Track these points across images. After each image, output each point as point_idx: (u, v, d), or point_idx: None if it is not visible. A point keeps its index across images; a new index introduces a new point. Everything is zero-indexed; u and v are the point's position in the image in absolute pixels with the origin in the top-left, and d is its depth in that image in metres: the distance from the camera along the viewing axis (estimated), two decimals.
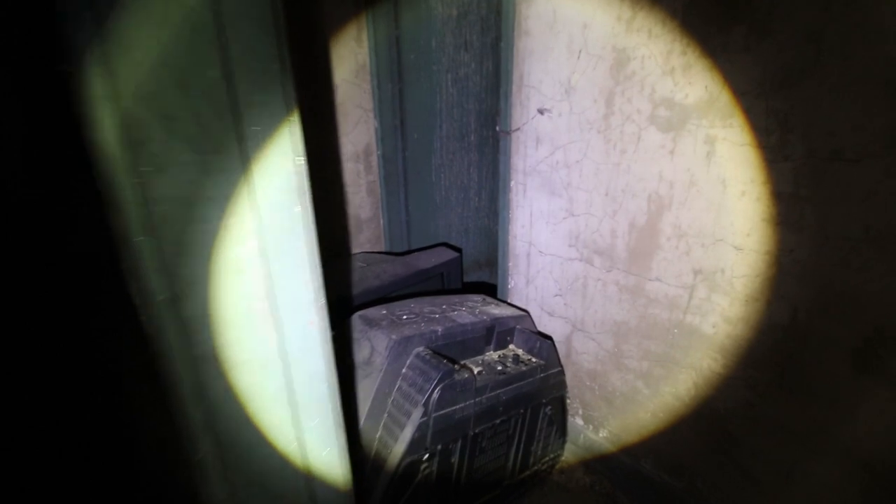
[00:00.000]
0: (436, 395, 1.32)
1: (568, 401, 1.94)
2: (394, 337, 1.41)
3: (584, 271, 1.75)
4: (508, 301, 2.11)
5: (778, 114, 1.15)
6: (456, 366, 1.42)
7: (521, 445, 1.69)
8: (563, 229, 1.78)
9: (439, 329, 1.51)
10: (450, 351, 1.55)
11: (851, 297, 1.10)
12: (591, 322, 1.78)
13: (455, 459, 1.44)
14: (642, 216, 1.50)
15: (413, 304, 1.72)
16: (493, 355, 1.68)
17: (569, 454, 2.00)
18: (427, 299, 1.81)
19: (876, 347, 1.08)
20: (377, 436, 1.36)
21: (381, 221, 2.80)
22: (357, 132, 2.54)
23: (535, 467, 1.81)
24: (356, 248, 2.72)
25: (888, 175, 1.00)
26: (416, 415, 1.30)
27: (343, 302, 1.85)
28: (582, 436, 1.96)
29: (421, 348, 1.45)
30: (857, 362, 1.12)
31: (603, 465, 1.90)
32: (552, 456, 1.88)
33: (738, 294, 1.31)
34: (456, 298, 1.86)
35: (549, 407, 1.74)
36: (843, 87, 1.03)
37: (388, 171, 2.69)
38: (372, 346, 1.44)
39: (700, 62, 1.26)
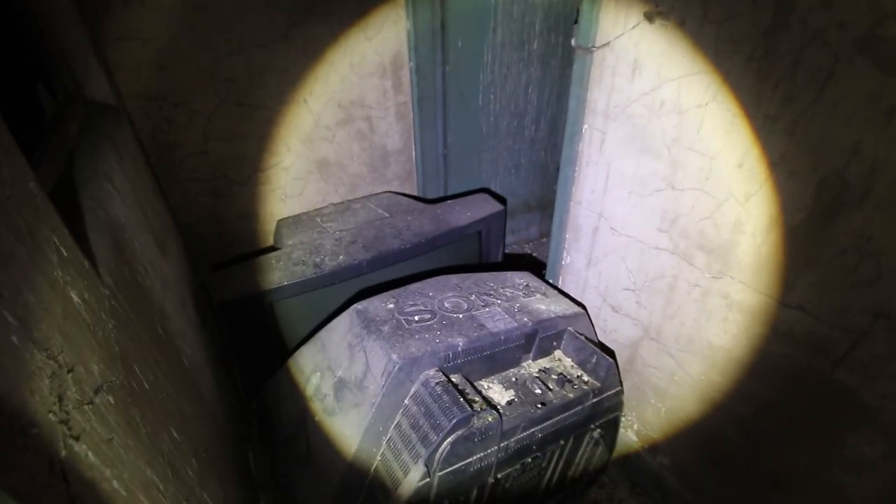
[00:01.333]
0: (444, 449, 0.95)
1: (624, 418, 1.55)
2: (395, 358, 1.02)
3: (676, 269, 1.23)
4: (559, 286, 1.64)
5: None
6: (476, 404, 1.03)
7: (556, 474, 1.35)
8: (654, 205, 1.23)
9: (460, 343, 1.10)
10: (473, 369, 1.15)
11: None
12: (673, 335, 1.30)
13: None
14: (801, 210, 0.93)
15: (431, 293, 1.30)
16: (531, 369, 1.27)
17: (612, 465, 1.66)
18: (452, 282, 1.38)
19: None
20: (366, 483, 1.04)
21: (413, 154, 2.29)
22: (383, 36, 1.93)
23: (570, 489, 1.49)
24: (381, 187, 2.27)
25: None
26: (415, 475, 0.95)
27: (340, 274, 1.46)
28: (633, 453, 1.59)
29: (432, 372, 1.06)
30: None
31: (656, 489, 1.55)
32: (593, 474, 1.54)
33: None
34: (490, 282, 1.42)
35: (599, 430, 1.36)
36: None
37: (422, 90, 2.10)
38: (367, 364, 1.07)
39: None
